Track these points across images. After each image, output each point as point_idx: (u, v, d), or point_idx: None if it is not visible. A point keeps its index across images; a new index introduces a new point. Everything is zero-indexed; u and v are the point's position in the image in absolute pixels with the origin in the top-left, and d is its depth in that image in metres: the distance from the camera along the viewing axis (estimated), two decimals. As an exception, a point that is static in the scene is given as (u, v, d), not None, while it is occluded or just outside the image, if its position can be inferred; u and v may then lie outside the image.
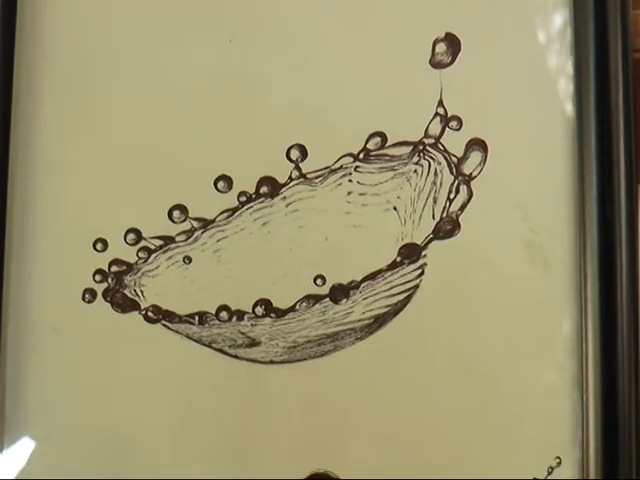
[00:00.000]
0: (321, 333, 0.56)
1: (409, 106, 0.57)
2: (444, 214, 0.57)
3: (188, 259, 0.57)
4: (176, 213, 0.57)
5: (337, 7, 0.57)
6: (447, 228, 0.57)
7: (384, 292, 0.56)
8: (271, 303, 0.56)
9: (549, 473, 0.55)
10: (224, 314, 0.56)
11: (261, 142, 0.57)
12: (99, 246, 0.57)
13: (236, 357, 0.56)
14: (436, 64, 0.57)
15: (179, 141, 0.57)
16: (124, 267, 0.57)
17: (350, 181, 0.57)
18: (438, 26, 0.57)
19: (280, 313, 0.56)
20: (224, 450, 0.56)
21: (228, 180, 0.57)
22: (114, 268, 0.57)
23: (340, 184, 0.57)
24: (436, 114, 0.57)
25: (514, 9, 0.57)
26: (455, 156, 0.57)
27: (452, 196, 0.57)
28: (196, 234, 0.57)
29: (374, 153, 0.57)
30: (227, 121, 0.57)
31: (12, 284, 0.56)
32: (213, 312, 0.56)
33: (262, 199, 0.57)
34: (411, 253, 0.57)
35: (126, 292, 0.57)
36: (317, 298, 0.56)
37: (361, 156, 0.57)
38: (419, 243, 0.57)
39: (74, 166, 0.57)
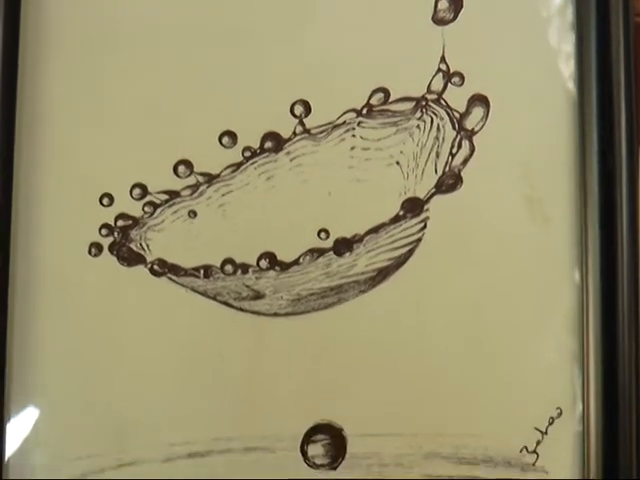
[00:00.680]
0: (325, 286, 0.57)
1: (412, 62, 0.58)
2: (446, 169, 0.57)
3: (193, 213, 0.57)
4: (181, 168, 0.57)
5: (340, -36, 0.58)
6: (449, 182, 0.57)
7: (387, 245, 0.57)
8: (275, 256, 0.57)
9: (550, 423, 0.56)
10: (229, 267, 0.57)
11: (265, 98, 0.57)
12: (105, 201, 0.57)
13: (241, 310, 0.57)
14: (439, 20, 0.58)
15: (184, 97, 0.58)
16: (130, 221, 0.57)
17: (353, 136, 0.57)
18: (440, -18, 0.58)
19: (284, 266, 0.57)
20: (229, 402, 0.57)
21: (233, 135, 0.57)
22: (120, 222, 0.57)
23: (343, 139, 0.57)
24: (438, 70, 0.57)
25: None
26: (457, 111, 0.57)
27: (454, 151, 0.57)
28: (201, 189, 0.57)
29: (377, 108, 0.57)
30: (231, 77, 0.58)
31: (19, 239, 0.57)
32: (218, 265, 0.57)
33: (266, 154, 0.57)
34: (414, 207, 0.57)
35: (132, 246, 0.57)
36: (321, 251, 0.57)
37: (364, 111, 0.57)
38: (422, 197, 0.57)
39: (81, 122, 0.58)
